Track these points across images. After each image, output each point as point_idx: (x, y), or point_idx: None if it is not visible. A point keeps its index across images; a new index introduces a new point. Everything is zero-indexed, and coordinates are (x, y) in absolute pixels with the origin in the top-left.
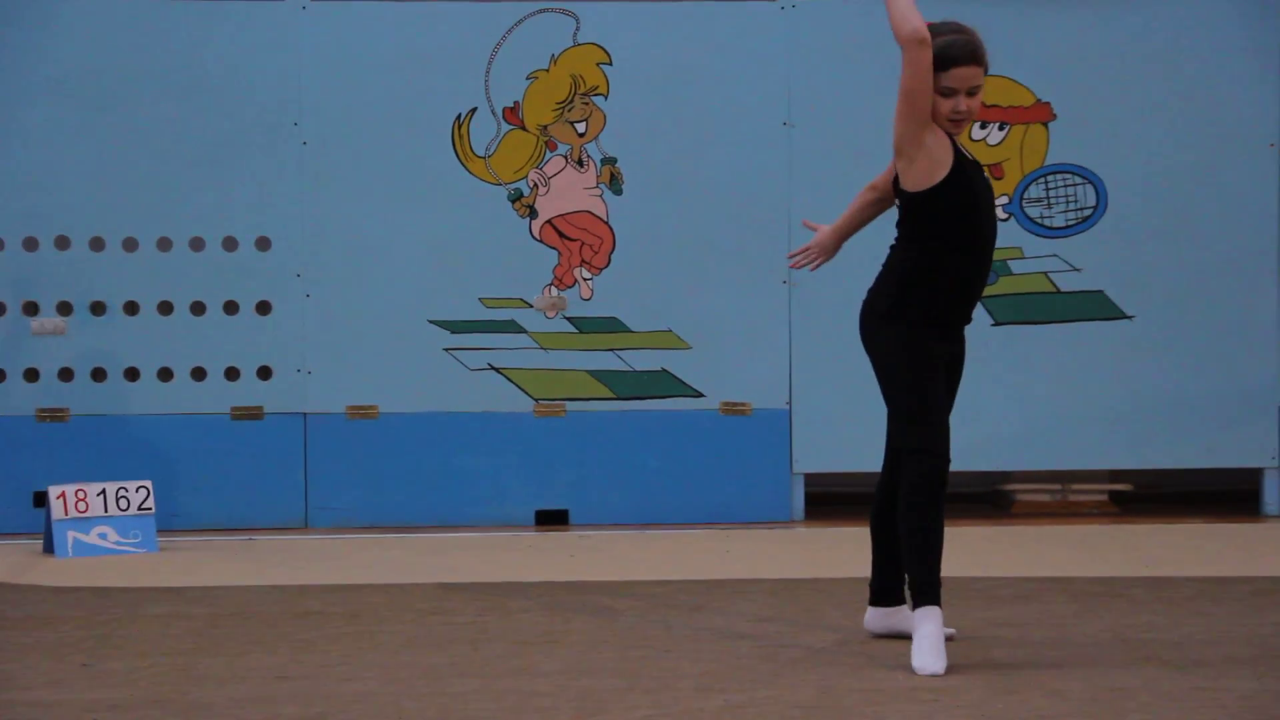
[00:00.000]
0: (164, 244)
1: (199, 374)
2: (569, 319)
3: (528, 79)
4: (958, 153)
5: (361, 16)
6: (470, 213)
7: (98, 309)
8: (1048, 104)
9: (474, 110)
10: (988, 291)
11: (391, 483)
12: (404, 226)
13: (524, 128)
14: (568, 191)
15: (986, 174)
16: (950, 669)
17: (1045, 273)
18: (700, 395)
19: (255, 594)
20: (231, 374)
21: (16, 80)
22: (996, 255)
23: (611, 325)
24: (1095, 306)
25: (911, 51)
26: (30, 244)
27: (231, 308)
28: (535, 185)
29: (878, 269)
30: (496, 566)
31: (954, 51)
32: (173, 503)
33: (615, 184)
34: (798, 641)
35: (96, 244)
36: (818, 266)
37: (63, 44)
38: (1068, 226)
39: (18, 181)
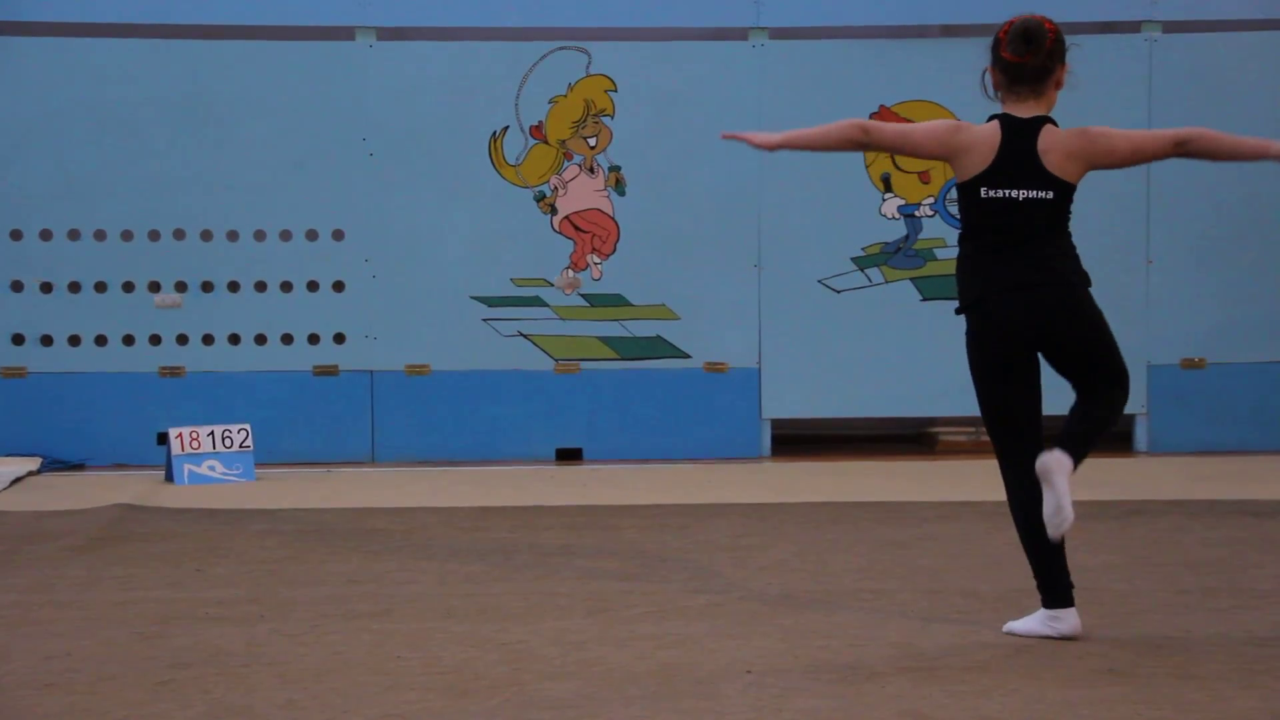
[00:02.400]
0: (259, 235)
1: (287, 339)
2: (583, 295)
3: (550, 103)
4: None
5: (417, 53)
6: (503, 210)
7: (207, 287)
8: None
9: (506, 128)
10: (918, 273)
11: (441, 426)
12: (450, 221)
13: (546, 142)
14: (581, 193)
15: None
16: (884, 574)
17: None
18: (687, 356)
19: (332, 515)
20: (313, 339)
21: (142, 104)
22: (923, 244)
23: (617, 300)
24: None
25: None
26: (154, 235)
27: (313, 286)
28: (555, 188)
29: (831, 257)
30: (524, 493)
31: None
32: (267, 441)
33: (620, 187)
34: (765, 553)
35: (206, 235)
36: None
37: (179, 75)
38: None
39: (144, 186)
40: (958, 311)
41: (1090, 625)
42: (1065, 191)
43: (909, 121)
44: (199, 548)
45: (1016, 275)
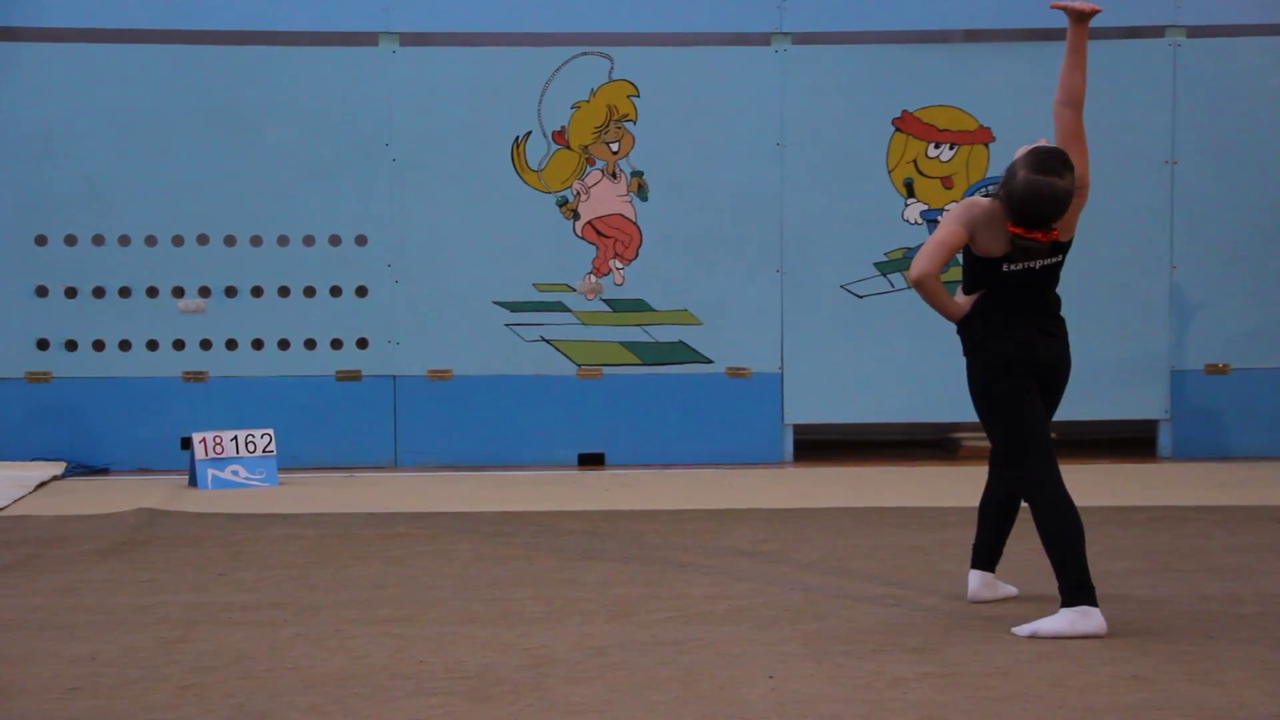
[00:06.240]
0: (283, 240)
1: (310, 344)
2: (605, 300)
3: (572, 108)
4: None
5: (440, 59)
6: (526, 215)
7: (230, 292)
8: (989, 128)
9: (529, 133)
10: (941, 278)
11: (463, 431)
12: (473, 226)
13: (569, 147)
14: (604, 198)
15: None
16: (906, 580)
17: None
18: (710, 361)
19: (355, 519)
20: (336, 344)
21: (166, 109)
22: None
23: (639, 305)
24: None
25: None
26: (177, 240)
27: (336, 291)
28: (578, 193)
29: (854, 263)
30: (547, 498)
31: None
32: (290, 446)
33: (642, 192)
34: (788, 558)
35: (229, 240)
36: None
37: (203, 81)
38: None
39: (168, 191)
40: (969, 350)
41: (1114, 631)
42: (1067, 249)
43: (932, 127)
44: (222, 552)
45: (1039, 321)
